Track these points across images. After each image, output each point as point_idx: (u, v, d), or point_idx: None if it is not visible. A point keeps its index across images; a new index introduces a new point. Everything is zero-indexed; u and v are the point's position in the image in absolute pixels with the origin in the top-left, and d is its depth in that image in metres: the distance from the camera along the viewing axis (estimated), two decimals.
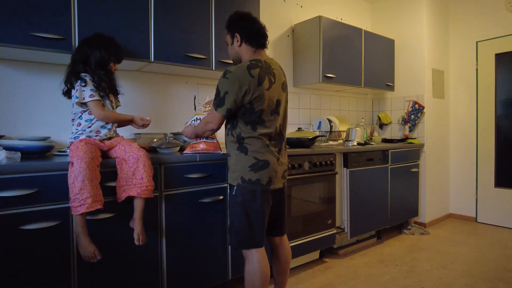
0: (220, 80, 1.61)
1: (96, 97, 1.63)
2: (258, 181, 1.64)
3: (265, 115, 1.65)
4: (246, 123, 1.64)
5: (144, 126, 1.83)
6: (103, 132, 1.68)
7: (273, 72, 1.68)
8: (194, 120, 2.00)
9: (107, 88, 1.70)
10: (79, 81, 1.61)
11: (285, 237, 1.92)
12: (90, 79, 1.64)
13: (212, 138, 1.99)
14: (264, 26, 1.73)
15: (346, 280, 2.40)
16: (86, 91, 1.61)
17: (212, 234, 2.00)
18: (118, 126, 1.85)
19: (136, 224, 1.61)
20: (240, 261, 2.11)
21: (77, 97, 1.61)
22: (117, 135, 1.79)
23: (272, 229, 1.84)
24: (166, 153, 1.99)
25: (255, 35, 1.68)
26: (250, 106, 1.61)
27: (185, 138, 2.19)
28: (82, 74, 1.63)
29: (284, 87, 1.76)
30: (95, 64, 1.65)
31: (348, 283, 2.37)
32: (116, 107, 1.84)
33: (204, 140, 1.97)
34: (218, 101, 1.62)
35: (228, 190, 1.75)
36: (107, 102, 1.72)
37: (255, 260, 1.67)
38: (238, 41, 1.70)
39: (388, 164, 3.23)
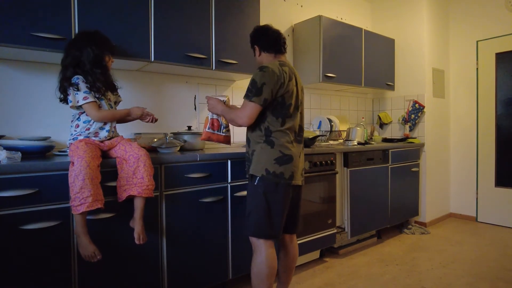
0: (256, 73, 1.70)
1: (91, 99, 1.61)
2: (281, 174, 1.70)
3: (293, 110, 1.77)
4: (277, 116, 1.73)
5: (143, 116, 1.77)
6: (102, 134, 1.68)
7: (296, 75, 1.84)
8: (221, 96, 1.96)
9: (103, 87, 1.67)
10: (71, 87, 1.60)
11: (294, 235, 1.97)
12: (83, 81, 1.61)
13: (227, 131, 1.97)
14: (280, 34, 1.86)
15: (346, 280, 2.40)
16: (79, 94, 1.60)
17: (212, 233, 2.00)
18: (119, 122, 1.84)
19: (137, 224, 1.61)
20: (241, 260, 2.12)
21: (71, 101, 1.61)
22: (117, 134, 1.79)
23: (286, 226, 1.88)
24: (166, 152, 1.99)
25: (270, 43, 1.84)
26: (281, 100, 1.72)
27: (189, 140, 2.19)
28: (74, 77, 1.61)
29: (303, 92, 1.91)
30: (89, 63, 1.62)
31: (349, 282, 2.37)
32: (118, 102, 1.85)
33: (223, 133, 1.96)
34: (255, 91, 1.67)
35: (249, 181, 1.79)
36: (104, 102, 1.69)
37: (264, 251, 1.72)
38: (258, 51, 1.89)
39: (388, 163, 3.23)
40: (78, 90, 1.60)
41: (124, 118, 1.79)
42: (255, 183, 1.73)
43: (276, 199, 1.72)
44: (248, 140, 1.83)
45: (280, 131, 1.73)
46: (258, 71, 1.71)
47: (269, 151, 1.71)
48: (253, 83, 1.69)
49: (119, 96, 1.86)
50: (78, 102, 1.60)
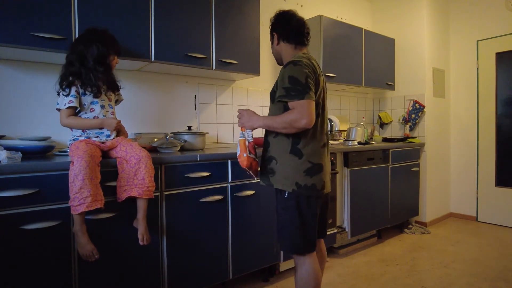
0: (291, 69, 1.49)
1: (73, 104, 1.60)
2: (313, 186, 1.55)
3: (321, 109, 1.60)
4: None
5: (116, 128, 1.70)
6: (102, 138, 1.68)
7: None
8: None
9: (104, 85, 1.67)
10: (61, 91, 1.61)
11: (322, 239, 1.85)
12: (77, 86, 1.61)
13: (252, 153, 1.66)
14: (304, 23, 1.67)
15: (346, 280, 2.40)
16: (66, 98, 1.60)
17: (212, 233, 2.00)
18: None
19: (140, 224, 1.61)
20: (241, 260, 2.12)
21: (57, 104, 1.62)
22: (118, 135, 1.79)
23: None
24: (167, 152, 1.99)
25: (291, 32, 1.65)
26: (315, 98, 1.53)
27: (189, 140, 2.18)
28: (73, 83, 1.61)
29: (326, 88, 1.72)
30: (93, 61, 1.61)
31: (349, 282, 2.36)
32: (119, 101, 1.88)
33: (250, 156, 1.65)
34: (304, 88, 1.45)
35: (277, 194, 1.62)
36: (97, 103, 1.68)
37: (308, 264, 1.59)
38: (276, 39, 1.69)
39: (388, 163, 3.23)
40: (67, 94, 1.60)
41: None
42: (285, 197, 1.57)
43: (309, 212, 1.57)
44: (267, 142, 1.65)
45: (310, 137, 1.55)
46: (292, 66, 1.49)
47: (297, 163, 1.54)
48: (294, 80, 1.46)
49: (120, 95, 1.87)
50: (64, 105, 1.60)
